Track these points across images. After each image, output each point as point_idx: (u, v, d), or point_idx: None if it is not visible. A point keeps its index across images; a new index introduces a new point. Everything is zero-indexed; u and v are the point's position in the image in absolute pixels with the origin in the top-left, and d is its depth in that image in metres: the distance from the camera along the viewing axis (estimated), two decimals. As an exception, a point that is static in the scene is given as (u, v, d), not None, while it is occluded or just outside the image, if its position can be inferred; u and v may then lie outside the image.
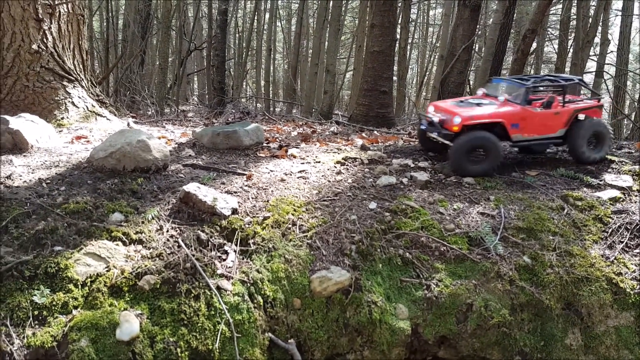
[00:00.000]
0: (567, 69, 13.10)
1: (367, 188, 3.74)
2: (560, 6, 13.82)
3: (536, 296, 3.08)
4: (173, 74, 14.22)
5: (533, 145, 4.51)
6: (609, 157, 4.70)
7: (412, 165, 4.30)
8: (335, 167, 4.23)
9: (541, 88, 4.59)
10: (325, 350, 2.82)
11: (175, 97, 13.16)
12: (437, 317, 3.01)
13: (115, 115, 5.81)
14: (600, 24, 12.99)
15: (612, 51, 14.12)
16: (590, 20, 12.56)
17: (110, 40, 14.19)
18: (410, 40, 17.27)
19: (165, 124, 6.05)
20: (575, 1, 12.72)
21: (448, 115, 4.25)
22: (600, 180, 4.16)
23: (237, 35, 22.12)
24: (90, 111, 5.29)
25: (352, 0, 18.98)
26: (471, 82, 11.79)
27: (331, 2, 11.28)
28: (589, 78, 15.71)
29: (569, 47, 12.69)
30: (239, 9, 22.79)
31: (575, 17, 12.69)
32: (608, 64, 14.29)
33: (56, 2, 5.29)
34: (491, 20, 11.49)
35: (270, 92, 20.64)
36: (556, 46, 15.00)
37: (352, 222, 3.27)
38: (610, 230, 3.53)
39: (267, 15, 20.48)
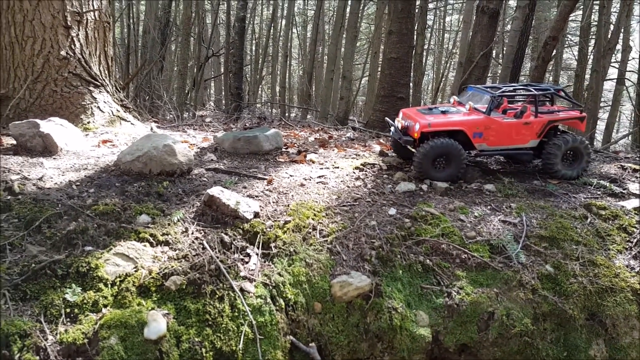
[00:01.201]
0: (587, 76, 12.95)
1: (387, 194, 3.76)
2: (581, 12, 13.68)
3: (559, 306, 3.06)
4: (191, 80, 14.43)
5: (504, 155, 4.42)
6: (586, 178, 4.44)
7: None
8: (354, 172, 4.26)
9: (518, 97, 4.54)
10: (345, 354, 2.85)
11: (193, 102, 13.37)
12: (458, 324, 3.01)
13: (138, 119, 5.94)
14: (622, 30, 12.82)
15: (633, 58, 13.93)
16: (612, 26, 12.41)
17: (131, 46, 14.50)
18: (426, 47, 17.27)
19: (187, 128, 6.15)
20: (597, 8, 12.58)
21: (411, 122, 4.27)
22: (624, 189, 4.11)
23: (253, 41, 22.39)
24: (115, 116, 5.42)
25: (368, 7, 19.05)
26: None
27: (348, 9, 11.35)
28: (610, 85, 15.51)
29: (589, 54, 12.55)
30: (256, 16, 23.11)
31: (596, 23, 12.55)
32: (630, 70, 14.09)
33: (84, 10, 5.44)
34: (509, 26, 11.44)
35: (286, 98, 20.77)
36: (576, 53, 14.84)
37: (371, 228, 3.29)
38: (635, 240, 3.49)
39: (283, 22, 20.70)
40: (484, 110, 4.19)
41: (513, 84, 4.65)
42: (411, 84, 9.67)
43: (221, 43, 19.58)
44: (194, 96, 13.89)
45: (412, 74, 9.85)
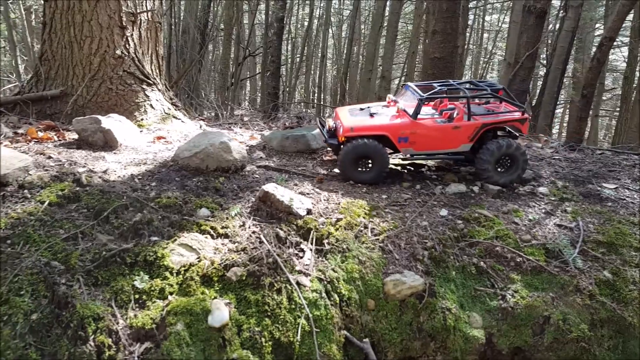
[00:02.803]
0: (637, 79, 12.44)
1: (437, 195, 3.76)
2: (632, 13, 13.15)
3: (618, 312, 2.99)
4: (228, 79, 14.71)
5: (436, 159, 4.17)
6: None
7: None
8: (402, 172, 4.26)
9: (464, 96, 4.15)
10: (398, 352, 2.87)
11: (230, 101, 13.63)
12: (512, 327, 2.98)
13: (187, 117, 6.13)
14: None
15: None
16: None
17: (171, 46, 14.91)
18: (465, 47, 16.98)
19: (232, 127, 6.30)
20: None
21: (338, 124, 4.13)
22: (685, 196, 3.96)
23: (289, 41, 22.60)
24: (167, 113, 5.61)
25: (405, 5, 18.91)
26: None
27: (387, 9, 11.31)
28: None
29: (639, 55, 12.06)
30: (292, 16, 23.31)
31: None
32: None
33: (138, 11, 5.65)
34: (556, 26, 11.11)
35: (322, 98, 20.89)
36: (625, 54, 14.28)
37: (423, 228, 3.30)
38: (698, 248, 3.35)
39: (317, 22, 20.82)
40: (411, 113, 3.98)
41: (454, 82, 4.27)
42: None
43: (257, 43, 19.87)
44: (233, 95, 14.16)
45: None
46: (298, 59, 19.05)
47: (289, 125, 8.81)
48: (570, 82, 17.50)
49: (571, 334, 2.92)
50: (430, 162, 4.53)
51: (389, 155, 4.01)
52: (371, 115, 4.16)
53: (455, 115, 4.02)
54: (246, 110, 15.70)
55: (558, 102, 11.74)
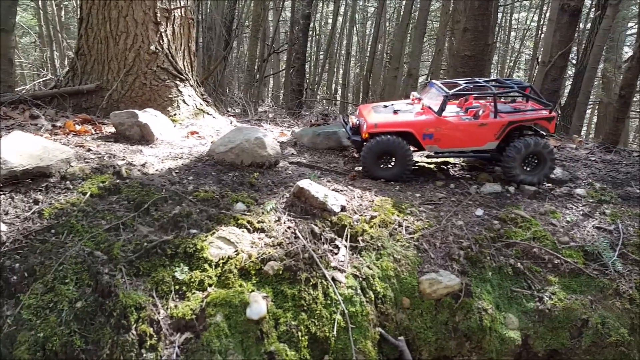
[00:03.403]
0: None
1: (472, 194, 3.71)
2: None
3: (660, 318, 2.91)
4: (253, 76, 14.81)
5: (461, 157, 4.08)
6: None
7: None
8: (435, 171, 4.23)
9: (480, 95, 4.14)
10: (432, 351, 2.85)
11: (255, 97, 13.73)
12: (549, 330, 2.93)
13: (218, 113, 6.20)
14: None
15: None
16: None
17: (199, 42, 15.07)
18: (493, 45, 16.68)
19: (262, 123, 6.35)
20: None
21: (362, 121, 4.08)
22: None
23: (313, 38, 22.60)
24: (199, 109, 5.69)
25: (433, 3, 18.70)
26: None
27: (418, 5, 11.20)
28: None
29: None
30: (316, 13, 23.30)
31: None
32: None
33: (172, 7, 5.74)
34: (587, 25, 10.83)
35: (345, 95, 20.85)
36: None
37: (459, 228, 3.27)
38: None
39: (341, 20, 20.75)
40: (436, 110, 3.93)
41: (480, 80, 4.21)
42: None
43: (281, 40, 19.95)
44: (257, 92, 14.26)
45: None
46: (322, 56, 19.02)
47: (315, 122, 8.84)
48: (599, 82, 17.02)
49: (610, 338, 2.86)
50: (462, 161, 4.48)
51: (413, 153, 3.99)
52: (395, 112, 4.14)
53: (481, 113, 3.97)
54: (269, 107, 15.81)
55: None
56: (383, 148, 3.91)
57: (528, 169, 4.00)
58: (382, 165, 3.98)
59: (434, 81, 4.31)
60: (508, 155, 3.94)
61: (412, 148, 4.00)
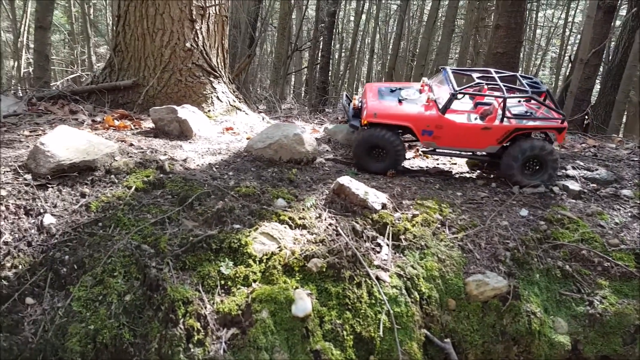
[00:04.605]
0: None
1: (515, 194, 3.62)
2: None
3: None
4: (278, 73, 14.86)
5: (461, 156, 3.94)
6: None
7: (559, 173, 4.07)
8: (473, 169, 4.15)
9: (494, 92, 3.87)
10: (479, 354, 2.79)
11: (279, 94, 13.77)
12: (599, 335, 2.84)
13: (250, 109, 6.22)
14: None
15: None
16: None
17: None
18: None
19: (294, 120, 6.35)
20: None
21: (364, 103, 3.92)
22: None
23: (336, 36, 22.52)
24: (232, 105, 5.71)
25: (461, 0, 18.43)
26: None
27: (446, 2, 11.04)
28: None
29: None
30: (340, 11, 23.21)
31: None
32: None
33: (207, 5, 5.77)
34: (617, 22, 10.48)
35: (368, 93, 20.69)
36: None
37: (503, 228, 3.19)
38: None
39: (364, 17, 20.62)
40: (440, 107, 3.76)
41: (495, 75, 3.94)
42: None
43: (303, 38, 19.95)
44: (281, 89, 14.30)
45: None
46: (346, 54, 18.95)
47: (343, 119, 8.80)
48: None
49: (666, 346, 2.75)
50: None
51: (406, 148, 3.88)
52: (400, 101, 4.00)
53: (489, 113, 3.82)
54: (291, 105, 15.84)
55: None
56: (374, 142, 3.84)
57: (529, 172, 3.84)
58: (373, 158, 3.92)
59: (447, 68, 4.14)
60: (506, 161, 3.79)
61: (408, 139, 3.90)
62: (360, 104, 4.13)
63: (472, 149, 3.91)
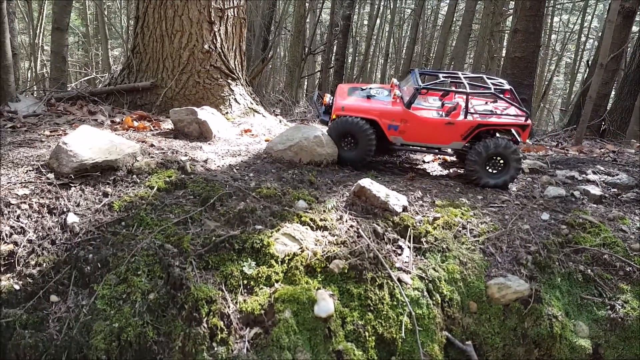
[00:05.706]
0: None
1: (536, 198, 3.61)
2: None
3: None
4: (293, 76, 14.93)
5: (429, 152, 4.05)
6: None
7: (580, 178, 4.05)
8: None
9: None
10: (500, 357, 2.77)
11: (293, 98, 13.85)
12: (621, 340, 2.81)
13: (267, 112, 6.26)
14: None
15: None
16: None
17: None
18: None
19: (309, 122, 6.37)
20: None
21: (334, 100, 4.04)
22: None
23: (350, 39, 22.59)
24: (249, 108, 5.76)
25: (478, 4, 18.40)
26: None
27: (462, 6, 11.02)
28: None
29: None
30: (354, 15, 23.28)
31: None
32: None
33: (226, 7, 5.82)
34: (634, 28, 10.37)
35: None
36: None
37: (525, 232, 3.17)
38: None
39: (379, 21, 20.65)
40: (405, 102, 3.85)
41: (461, 75, 4.04)
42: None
43: (317, 42, 20.03)
44: (295, 92, 14.37)
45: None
46: (360, 58, 18.98)
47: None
48: None
49: (692, 353, 2.71)
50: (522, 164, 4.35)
51: (374, 138, 3.92)
52: (368, 97, 4.11)
53: (453, 110, 3.88)
54: (305, 108, 15.90)
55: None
56: (346, 128, 3.88)
57: (493, 171, 3.87)
58: (345, 147, 3.97)
59: (415, 69, 4.27)
60: (468, 158, 3.86)
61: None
62: (330, 102, 4.27)
63: (437, 145, 3.99)
